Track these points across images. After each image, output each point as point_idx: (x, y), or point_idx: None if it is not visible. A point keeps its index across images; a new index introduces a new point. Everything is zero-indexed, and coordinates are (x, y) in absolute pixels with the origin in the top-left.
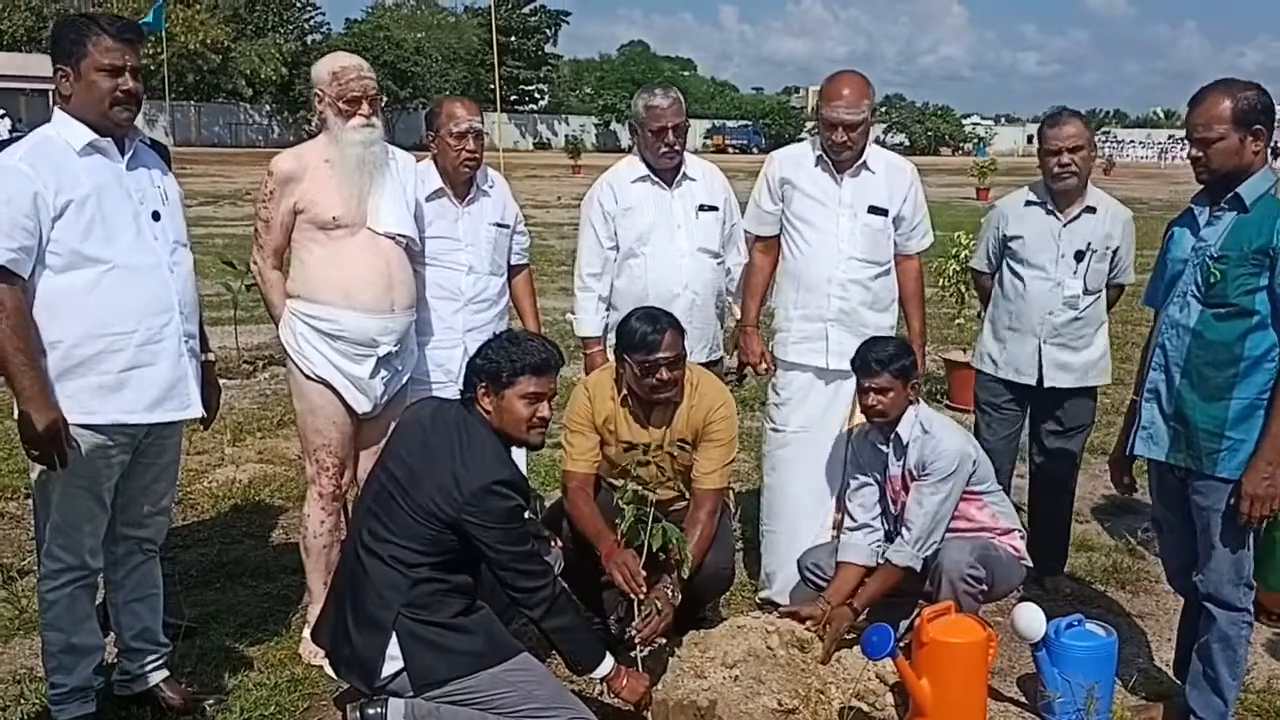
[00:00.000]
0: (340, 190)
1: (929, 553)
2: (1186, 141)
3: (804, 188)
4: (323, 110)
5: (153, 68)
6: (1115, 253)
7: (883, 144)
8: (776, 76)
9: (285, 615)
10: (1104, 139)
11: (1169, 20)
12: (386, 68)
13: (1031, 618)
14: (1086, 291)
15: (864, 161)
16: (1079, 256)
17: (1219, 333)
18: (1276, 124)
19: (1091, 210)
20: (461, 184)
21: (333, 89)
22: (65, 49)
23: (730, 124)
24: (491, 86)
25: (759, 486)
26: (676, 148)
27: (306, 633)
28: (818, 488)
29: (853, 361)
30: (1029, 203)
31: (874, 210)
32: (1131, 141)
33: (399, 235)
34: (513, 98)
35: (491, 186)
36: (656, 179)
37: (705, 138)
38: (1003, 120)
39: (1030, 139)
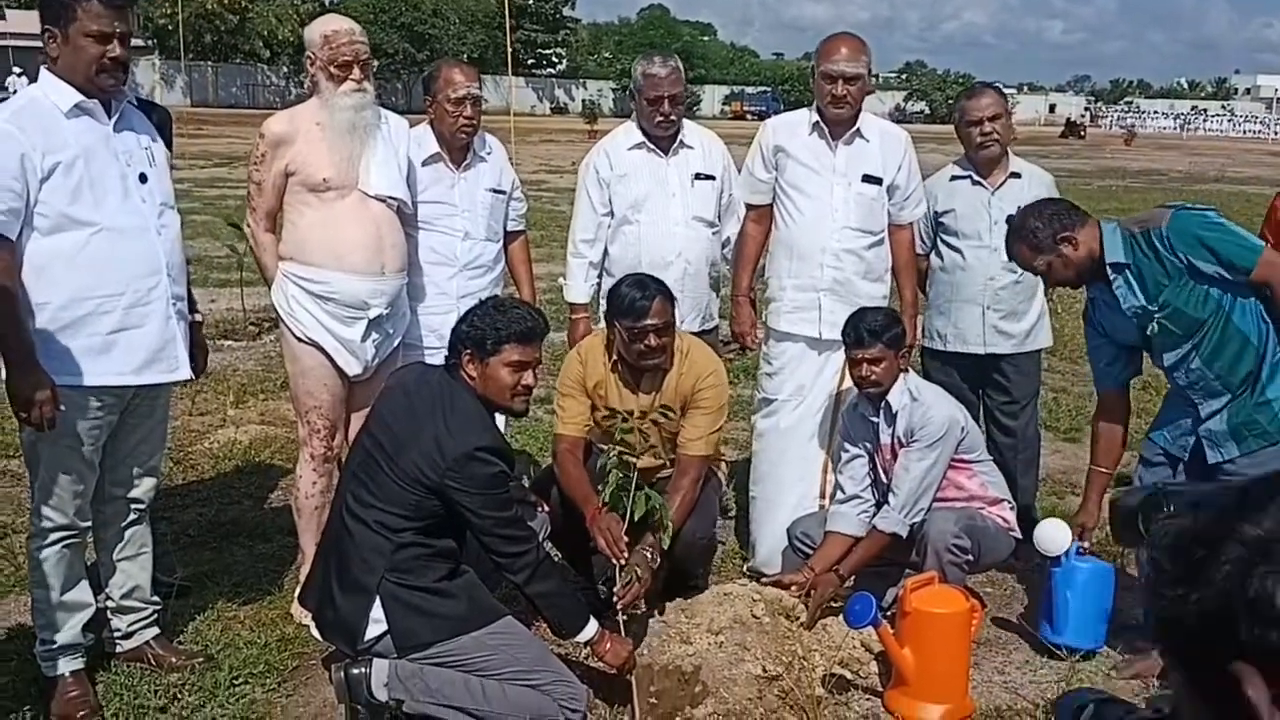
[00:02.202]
0: (331, 153)
1: (916, 519)
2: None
3: (798, 155)
4: (314, 74)
5: (170, 28)
6: None
7: (903, 111)
8: (797, 42)
9: (279, 575)
10: (1126, 109)
11: None
12: (403, 30)
13: (1055, 534)
14: None
15: (858, 129)
16: (1010, 221)
17: (1224, 338)
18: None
19: (1016, 176)
20: (458, 149)
21: (324, 53)
22: (54, 11)
23: (749, 90)
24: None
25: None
26: (672, 117)
27: (298, 591)
28: (805, 456)
29: (844, 333)
30: (954, 177)
31: (868, 179)
32: (1155, 113)
33: (390, 198)
34: (530, 61)
35: (489, 152)
36: (653, 146)
37: (724, 104)
38: (1025, 89)
39: (1052, 108)
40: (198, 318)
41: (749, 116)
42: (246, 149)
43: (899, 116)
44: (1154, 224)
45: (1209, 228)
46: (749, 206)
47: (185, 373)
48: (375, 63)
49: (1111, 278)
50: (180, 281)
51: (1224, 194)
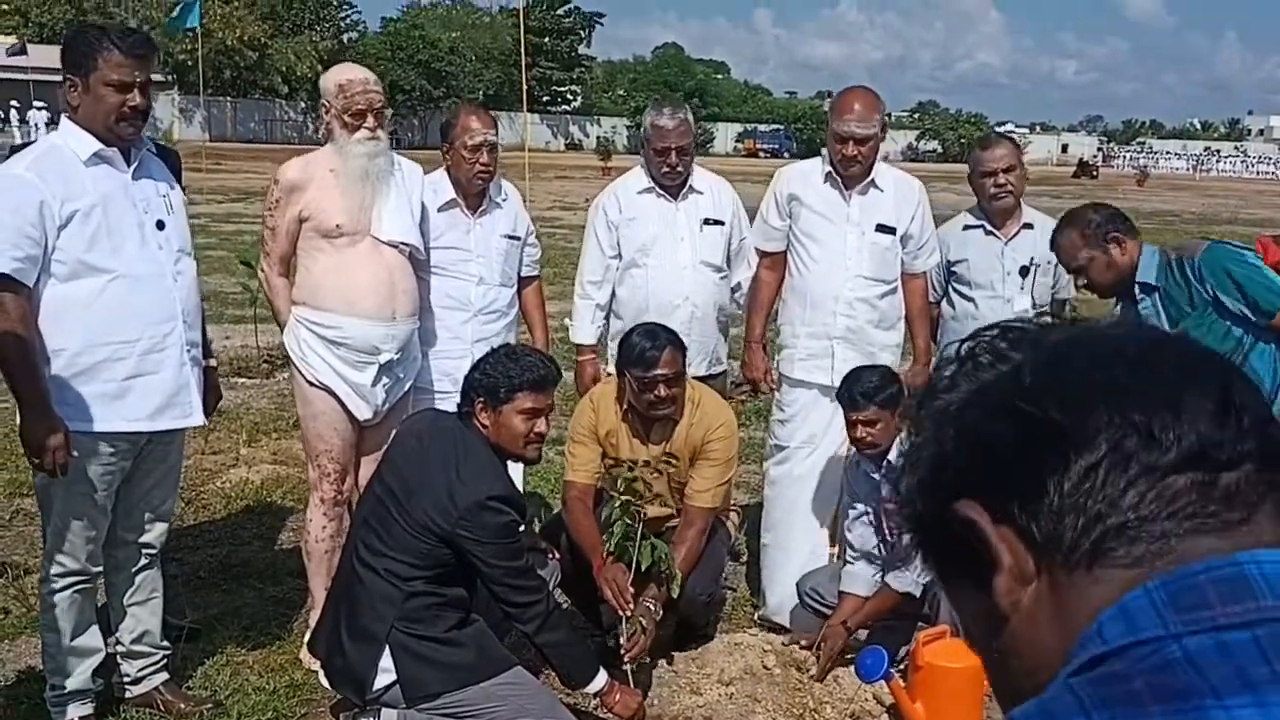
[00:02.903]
0: (344, 199)
1: (929, 578)
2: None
3: (812, 204)
4: (329, 121)
5: (190, 63)
6: (1056, 267)
7: (916, 150)
8: (811, 80)
9: (289, 619)
10: (1139, 150)
11: (1209, 30)
12: (420, 67)
13: None
14: (1035, 306)
15: (872, 179)
16: (1024, 272)
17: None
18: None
19: (1030, 227)
20: (474, 195)
21: (339, 101)
22: (75, 60)
23: (762, 128)
24: (525, 87)
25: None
26: (679, 168)
27: (308, 637)
28: (818, 505)
29: (838, 395)
30: (968, 226)
31: (882, 228)
32: (1167, 153)
33: (402, 244)
34: (545, 98)
35: (504, 198)
36: (661, 191)
37: (737, 141)
38: (1037, 128)
39: (1065, 148)
40: (212, 363)
41: (762, 154)
42: (264, 184)
43: (912, 155)
44: (1189, 253)
45: (1240, 265)
46: (763, 253)
47: (199, 419)
48: (390, 111)
49: (1139, 297)
50: (195, 327)
51: (1238, 236)
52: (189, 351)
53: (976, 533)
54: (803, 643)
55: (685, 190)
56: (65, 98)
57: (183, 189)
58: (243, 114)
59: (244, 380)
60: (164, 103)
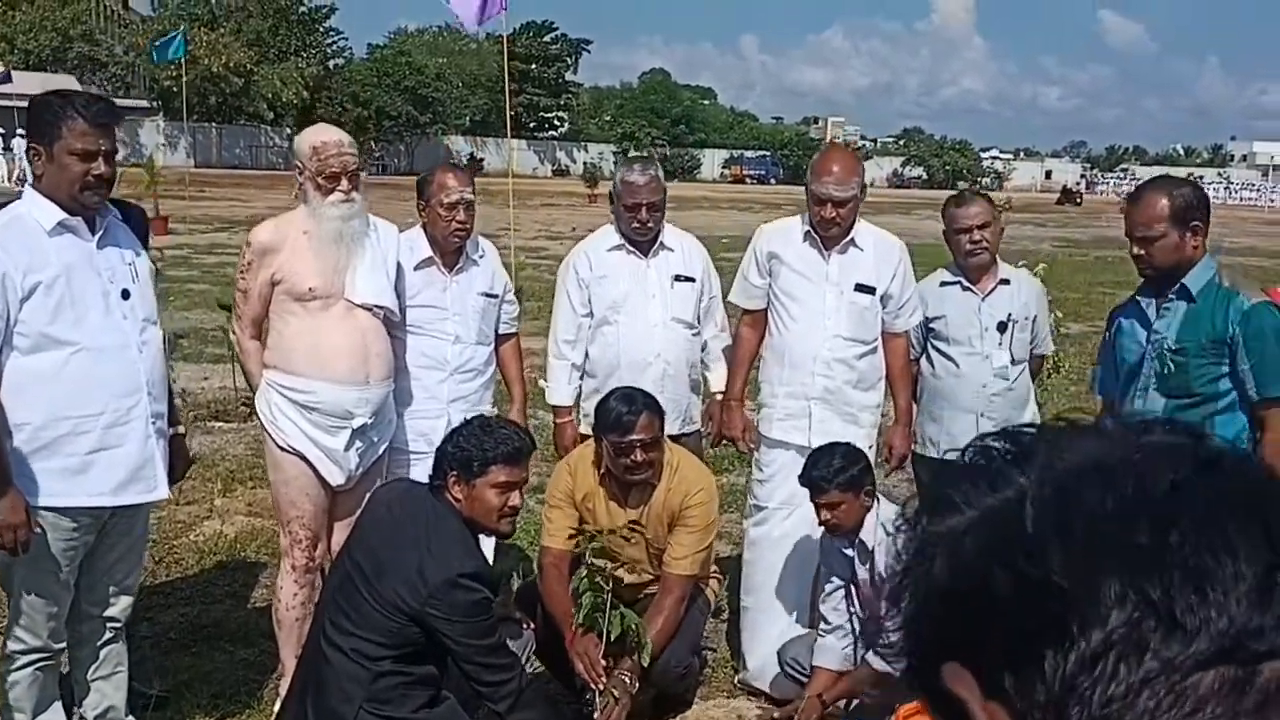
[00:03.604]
0: (317, 261)
1: None
2: (1128, 239)
3: (791, 263)
4: (303, 183)
5: (175, 90)
6: (1034, 322)
7: (901, 177)
8: (797, 106)
9: (259, 685)
10: (1123, 176)
11: (1192, 56)
12: (407, 93)
13: None
14: (1014, 362)
15: (852, 238)
16: (1001, 328)
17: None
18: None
19: (1006, 283)
20: (451, 253)
21: (313, 164)
22: (39, 128)
23: (749, 154)
24: (511, 113)
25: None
26: (649, 224)
27: (277, 707)
28: (797, 568)
29: (800, 478)
30: (944, 283)
31: (861, 288)
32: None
33: (377, 306)
34: (532, 124)
35: (481, 256)
36: (632, 248)
37: (724, 167)
38: (1021, 154)
39: (1049, 174)
40: (180, 430)
41: (748, 180)
42: (249, 213)
43: (897, 182)
44: (1241, 289)
45: (1272, 336)
46: (744, 311)
47: (164, 492)
48: (365, 174)
49: (1171, 299)
50: (161, 399)
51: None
52: (154, 423)
53: (964, 708)
54: (776, 715)
55: (656, 247)
56: (30, 165)
57: (148, 250)
58: (228, 140)
59: (221, 424)
60: (149, 129)
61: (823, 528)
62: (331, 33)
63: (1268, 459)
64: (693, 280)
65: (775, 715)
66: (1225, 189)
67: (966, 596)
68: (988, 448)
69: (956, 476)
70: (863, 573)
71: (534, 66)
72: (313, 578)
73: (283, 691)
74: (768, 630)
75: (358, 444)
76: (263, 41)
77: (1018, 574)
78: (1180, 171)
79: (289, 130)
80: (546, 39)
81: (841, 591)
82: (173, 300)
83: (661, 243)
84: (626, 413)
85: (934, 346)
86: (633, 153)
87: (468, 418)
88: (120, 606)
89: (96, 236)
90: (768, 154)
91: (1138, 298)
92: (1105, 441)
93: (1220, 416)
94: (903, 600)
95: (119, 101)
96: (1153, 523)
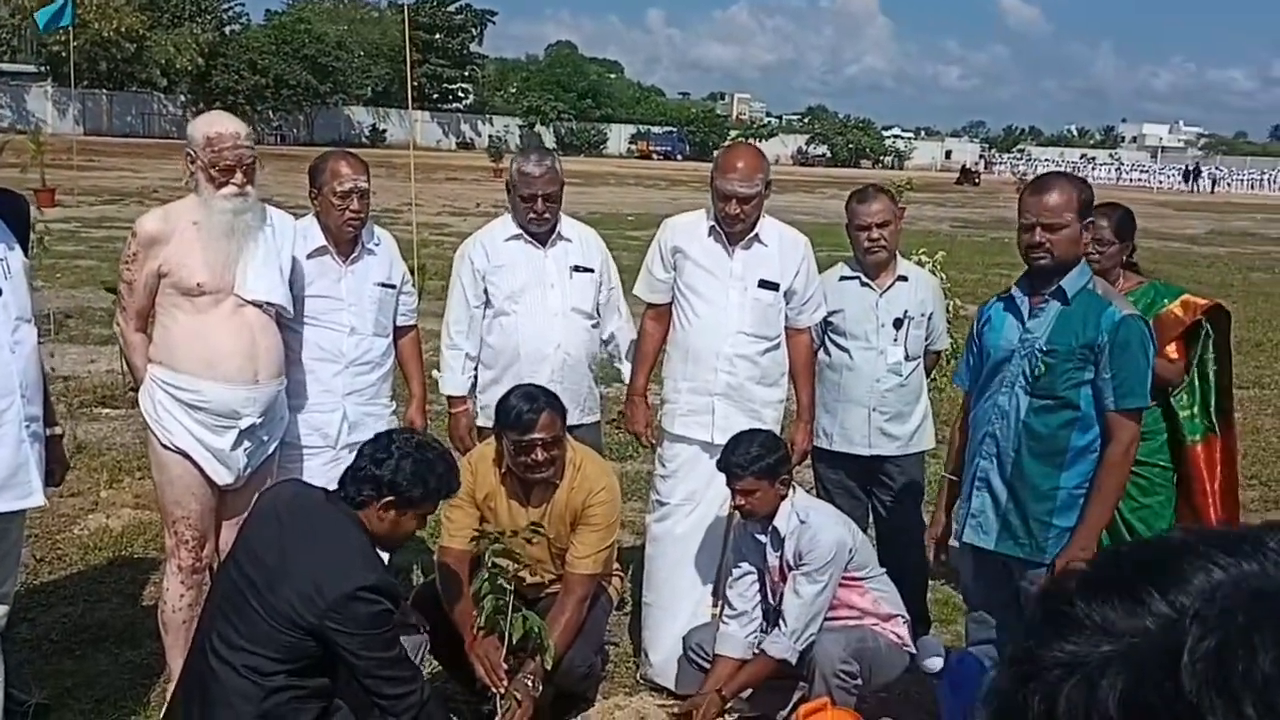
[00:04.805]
0: (206, 254)
1: (806, 645)
2: (1025, 229)
3: (696, 257)
4: (195, 171)
5: (64, 55)
6: (930, 319)
7: (806, 155)
8: (703, 82)
9: (146, 689)
10: (1019, 157)
11: (1086, 38)
12: (306, 61)
13: (926, 658)
14: (908, 358)
15: (756, 234)
16: (898, 324)
17: (1046, 424)
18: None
19: (904, 279)
20: (345, 242)
21: (206, 154)
22: None
23: (656, 130)
24: (414, 84)
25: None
26: (546, 215)
27: (163, 713)
28: (699, 564)
29: (718, 464)
30: (844, 277)
31: (765, 284)
32: (1046, 160)
33: (268, 303)
34: (435, 96)
35: (378, 245)
36: (530, 238)
37: (630, 143)
38: (922, 134)
39: (949, 154)
40: (58, 431)
41: (655, 156)
42: (140, 184)
43: (802, 159)
44: (1113, 298)
45: (1138, 350)
46: (648, 305)
47: (39, 499)
48: (262, 166)
49: (1046, 298)
50: (35, 401)
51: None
52: (28, 427)
53: None
54: (677, 711)
55: (554, 237)
56: None
57: (28, 241)
58: (119, 107)
59: (108, 411)
60: (36, 95)
61: (736, 512)
62: None
63: (1105, 467)
64: (591, 271)
65: (676, 711)
66: (1116, 170)
67: None
68: (1118, 554)
69: (1083, 588)
70: (773, 558)
71: (438, 36)
72: (200, 578)
73: (169, 696)
74: (670, 627)
75: (246, 443)
76: (156, 6)
77: None
78: (1074, 152)
79: (183, 97)
80: (451, 8)
81: (751, 577)
82: (59, 277)
83: (559, 233)
84: (528, 410)
85: (831, 340)
86: (539, 128)
87: (397, 437)
88: None
89: None
90: (674, 130)
91: (1013, 292)
92: (1264, 560)
93: (1078, 425)
94: None
95: (3, 66)
96: None
